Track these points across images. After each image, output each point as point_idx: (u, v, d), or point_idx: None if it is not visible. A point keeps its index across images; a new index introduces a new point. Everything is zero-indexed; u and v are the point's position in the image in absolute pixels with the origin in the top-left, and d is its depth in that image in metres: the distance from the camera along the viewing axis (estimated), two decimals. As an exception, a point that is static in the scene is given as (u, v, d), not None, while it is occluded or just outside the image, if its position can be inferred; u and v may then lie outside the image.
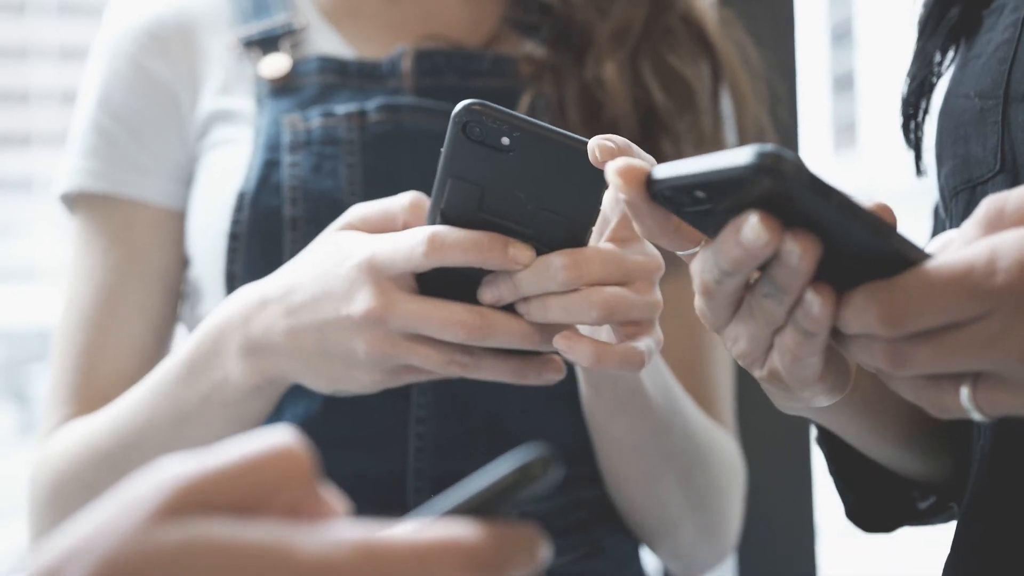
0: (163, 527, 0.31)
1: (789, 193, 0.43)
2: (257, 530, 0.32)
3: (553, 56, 0.92)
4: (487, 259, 0.63)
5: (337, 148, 0.87)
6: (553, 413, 0.86)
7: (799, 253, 0.44)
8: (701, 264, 0.49)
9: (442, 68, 0.91)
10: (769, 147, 0.42)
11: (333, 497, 0.35)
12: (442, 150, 0.62)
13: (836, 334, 0.47)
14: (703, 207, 0.47)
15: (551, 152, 0.60)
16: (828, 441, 0.74)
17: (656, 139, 0.90)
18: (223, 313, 0.75)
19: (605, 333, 0.68)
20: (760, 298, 0.47)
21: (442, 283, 0.66)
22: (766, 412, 1.08)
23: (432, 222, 0.65)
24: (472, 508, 0.35)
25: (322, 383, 0.72)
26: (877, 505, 0.75)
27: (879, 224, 0.44)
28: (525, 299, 0.64)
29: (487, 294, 0.65)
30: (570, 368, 0.75)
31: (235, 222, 0.87)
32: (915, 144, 0.72)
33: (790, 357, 0.48)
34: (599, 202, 0.63)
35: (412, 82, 0.90)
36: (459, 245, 0.63)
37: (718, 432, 0.90)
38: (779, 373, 0.50)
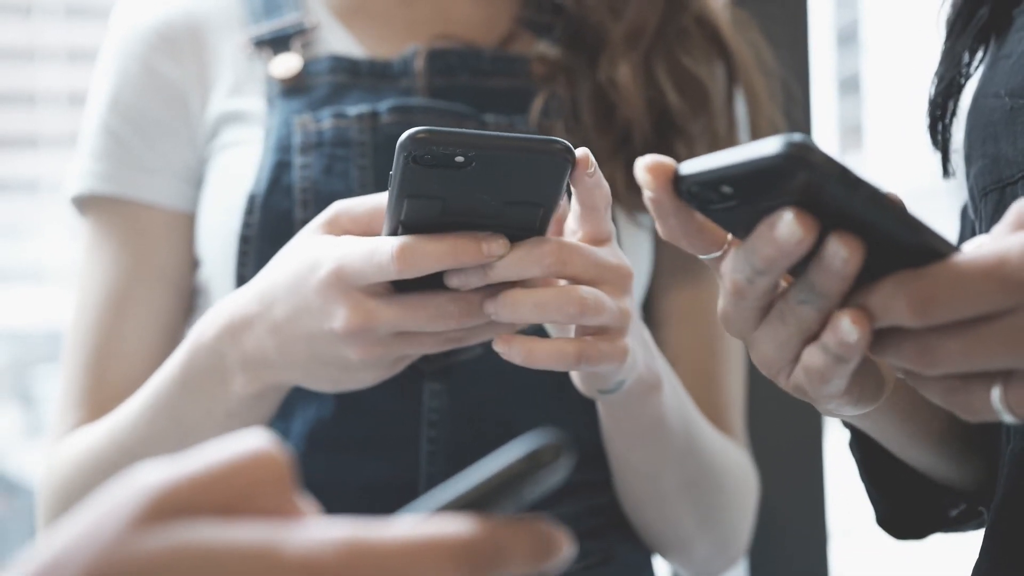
0: (145, 534, 0.31)
1: (819, 184, 0.42)
2: (242, 531, 0.31)
3: (566, 56, 0.91)
4: (462, 261, 0.62)
5: (348, 150, 0.86)
6: (567, 417, 0.85)
7: (844, 256, 0.43)
8: (732, 264, 0.48)
9: (455, 68, 0.90)
10: (796, 136, 0.41)
11: (306, 503, 0.34)
12: (391, 173, 0.61)
13: None
14: (730, 203, 0.46)
15: (507, 158, 0.59)
16: (861, 447, 0.73)
17: (670, 141, 0.89)
18: (210, 331, 0.74)
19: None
20: (795, 304, 0.46)
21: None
22: (778, 413, 1.08)
23: (392, 234, 0.64)
24: (475, 500, 0.33)
25: (324, 386, 0.72)
26: (908, 512, 0.74)
27: (909, 216, 0.43)
28: (493, 300, 0.63)
29: (454, 280, 0.64)
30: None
31: (246, 224, 0.86)
32: (943, 146, 0.71)
33: (817, 378, 0.47)
34: (560, 192, 0.61)
35: (424, 82, 0.90)
36: (431, 255, 0.62)
37: (731, 449, 0.89)
38: (804, 388, 0.49)
